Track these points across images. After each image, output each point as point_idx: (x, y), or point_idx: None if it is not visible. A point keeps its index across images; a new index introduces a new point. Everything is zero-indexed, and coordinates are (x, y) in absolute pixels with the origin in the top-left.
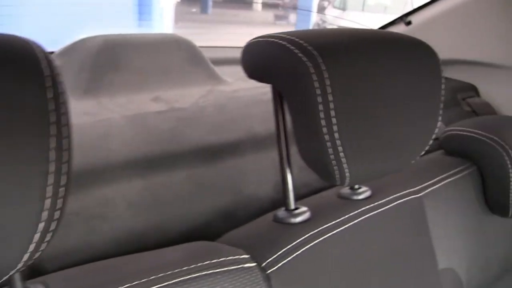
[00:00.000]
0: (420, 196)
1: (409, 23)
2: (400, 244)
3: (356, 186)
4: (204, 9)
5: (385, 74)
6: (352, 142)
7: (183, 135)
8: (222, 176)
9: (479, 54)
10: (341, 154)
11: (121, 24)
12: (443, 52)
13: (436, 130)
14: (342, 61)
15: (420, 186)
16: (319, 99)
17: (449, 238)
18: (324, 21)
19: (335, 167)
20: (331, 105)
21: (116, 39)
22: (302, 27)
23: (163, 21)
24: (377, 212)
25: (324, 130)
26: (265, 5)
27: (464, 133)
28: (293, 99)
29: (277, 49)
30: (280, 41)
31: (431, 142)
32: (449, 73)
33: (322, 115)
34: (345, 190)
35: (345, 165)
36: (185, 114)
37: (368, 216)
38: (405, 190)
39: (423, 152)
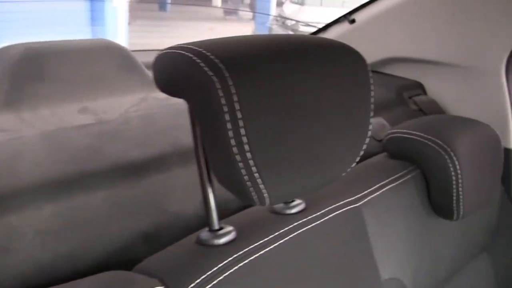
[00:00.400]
0: (358, 205)
1: (353, 21)
2: (340, 257)
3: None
4: (162, 7)
5: (307, 85)
6: (267, 160)
7: (103, 152)
8: (144, 194)
9: (425, 52)
10: (256, 175)
11: (73, 30)
12: (389, 50)
13: (367, 140)
14: (253, 74)
15: (359, 195)
16: (227, 117)
17: (392, 247)
18: (282, 17)
19: (251, 188)
20: (241, 123)
21: (39, 47)
22: (259, 22)
23: (117, 24)
24: (312, 226)
25: (235, 150)
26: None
27: (407, 135)
28: (202, 116)
29: (184, 62)
30: (187, 54)
31: (361, 153)
32: (395, 71)
33: (231, 134)
34: (278, 204)
35: (261, 186)
36: (108, 127)
37: (302, 231)
38: (343, 201)
39: (354, 164)
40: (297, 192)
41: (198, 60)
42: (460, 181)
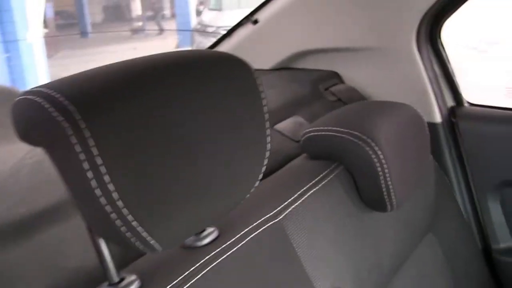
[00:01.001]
0: (279, 220)
1: (255, 21)
2: (268, 280)
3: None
4: (83, 34)
5: (185, 109)
6: (144, 205)
7: None
8: (37, 253)
9: (335, 40)
10: (134, 224)
11: None
12: (297, 44)
13: (267, 154)
14: (112, 111)
15: (278, 208)
16: (86, 165)
17: (325, 255)
18: (203, 25)
19: (133, 239)
20: (103, 169)
21: None
22: (182, 34)
23: (34, 60)
24: (228, 255)
25: (103, 200)
26: (148, 18)
27: (324, 132)
28: (63, 165)
29: (34, 109)
30: (36, 99)
31: (263, 169)
32: (308, 64)
33: (94, 183)
34: (189, 240)
35: (144, 234)
36: None
37: (218, 263)
38: (261, 218)
39: (253, 189)
40: (193, 227)
41: (47, 105)
42: (386, 170)
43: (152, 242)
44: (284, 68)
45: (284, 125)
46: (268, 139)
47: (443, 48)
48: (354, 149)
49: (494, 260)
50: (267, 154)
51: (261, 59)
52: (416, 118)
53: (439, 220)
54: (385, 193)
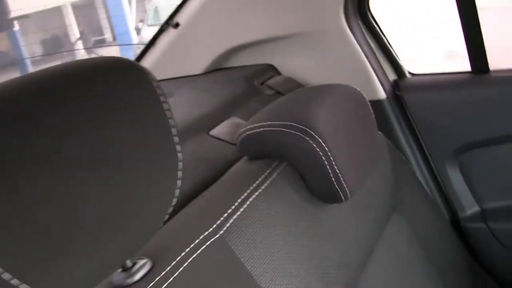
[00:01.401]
0: (220, 235)
1: (177, 25)
2: None
3: (129, 264)
4: (23, 67)
5: (68, 135)
6: (24, 258)
7: None
8: None
9: (262, 31)
10: (14, 282)
11: None
12: (223, 42)
13: (180, 165)
14: None
15: (218, 223)
16: None
17: (279, 264)
18: (143, 42)
19: None
20: None
21: None
22: (124, 49)
23: None
24: (167, 285)
25: None
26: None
27: (259, 129)
28: None
29: None
30: None
31: (178, 185)
32: (240, 61)
33: None
34: (116, 275)
35: None
36: None
37: None
38: (199, 237)
39: (172, 204)
40: (96, 275)
41: None
42: (332, 158)
43: None
44: (217, 69)
45: (220, 129)
46: (179, 155)
47: (375, 21)
48: (293, 141)
49: (463, 229)
50: (180, 165)
51: (190, 63)
52: (356, 96)
53: (402, 199)
54: (335, 183)
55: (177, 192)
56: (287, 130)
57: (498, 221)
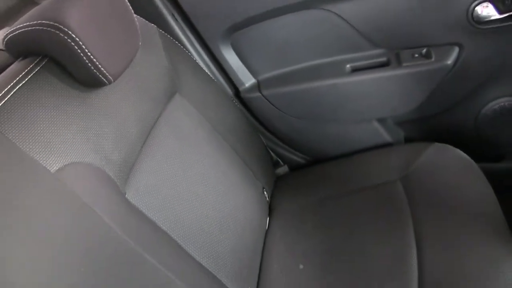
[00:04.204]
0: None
1: None
2: None
3: None
4: None
5: None
6: None
7: None
8: None
9: None
10: None
11: None
12: None
13: None
14: None
15: None
16: None
17: (45, 135)
18: None
19: None
20: None
21: None
22: None
23: None
24: None
25: None
26: None
27: (19, 31)
28: None
29: None
30: None
31: None
32: None
33: None
34: None
35: None
36: None
37: None
38: None
39: None
40: None
41: None
42: (84, 47)
43: None
44: None
45: None
46: None
47: None
48: (48, 37)
49: (245, 99)
50: None
51: None
52: None
53: (182, 82)
54: (93, 68)
55: None
56: (41, 28)
57: (269, 89)
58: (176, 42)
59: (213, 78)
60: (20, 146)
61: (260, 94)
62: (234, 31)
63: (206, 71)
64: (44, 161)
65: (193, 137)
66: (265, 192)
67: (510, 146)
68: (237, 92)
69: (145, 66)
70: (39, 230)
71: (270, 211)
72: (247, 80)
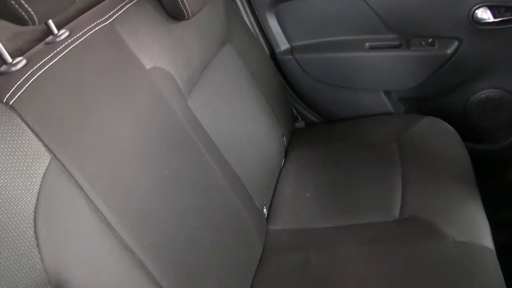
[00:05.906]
0: (110, 22)
1: None
2: (110, 70)
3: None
4: None
5: None
6: None
7: None
8: None
9: None
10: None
11: None
12: None
13: None
14: None
15: (110, 13)
16: None
17: (151, 46)
18: None
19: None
20: None
21: None
22: None
23: None
24: (76, 45)
25: None
26: None
27: None
28: None
29: None
30: None
31: None
32: None
33: None
34: (49, 39)
35: (26, 6)
36: None
37: (70, 49)
38: (95, 21)
39: None
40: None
41: None
42: None
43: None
44: None
45: None
46: None
47: None
48: None
49: (279, 60)
50: None
51: None
52: None
53: (232, 34)
54: (181, 4)
55: None
56: None
57: (300, 54)
58: (233, 3)
59: (256, 37)
60: (131, 47)
61: (292, 57)
62: (280, 2)
63: (251, 30)
64: (143, 60)
65: (235, 80)
66: (284, 138)
67: (490, 131)
68: (272, 53)
69: (209, 16)
70: (132, 106)
71: (286, 154)
72: (283, 44)
